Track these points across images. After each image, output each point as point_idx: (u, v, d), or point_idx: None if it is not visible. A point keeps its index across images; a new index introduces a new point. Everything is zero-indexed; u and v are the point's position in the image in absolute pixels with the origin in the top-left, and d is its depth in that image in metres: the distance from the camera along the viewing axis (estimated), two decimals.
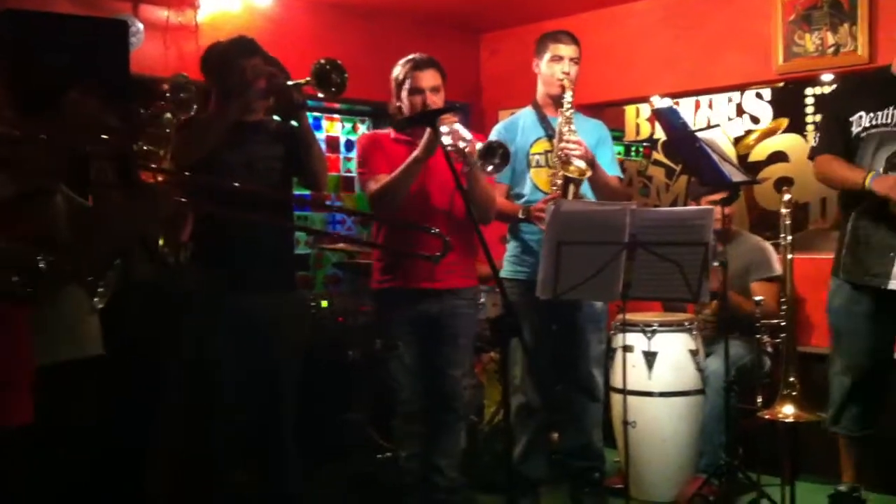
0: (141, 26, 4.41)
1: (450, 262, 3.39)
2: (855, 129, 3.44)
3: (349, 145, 5.67)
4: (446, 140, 3.24)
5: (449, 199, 3.54)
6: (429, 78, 3.54)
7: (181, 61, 4.53)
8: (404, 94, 3.56)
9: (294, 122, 3.33)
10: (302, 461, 3.43)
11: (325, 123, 5.59)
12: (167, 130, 2.50)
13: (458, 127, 3.33)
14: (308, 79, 3.19)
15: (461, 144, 3.25)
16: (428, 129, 3.29)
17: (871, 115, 3.41)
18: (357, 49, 5.27)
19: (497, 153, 3.27)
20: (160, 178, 2.57)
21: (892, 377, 3.55)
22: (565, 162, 3.66)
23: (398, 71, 3.60)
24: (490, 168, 3.29)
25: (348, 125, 5.67)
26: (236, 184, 3.13)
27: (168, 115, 2.54)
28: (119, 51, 2.61)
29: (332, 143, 5.65)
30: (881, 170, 3.36)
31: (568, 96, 3.75)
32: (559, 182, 3.68)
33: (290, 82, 3.25)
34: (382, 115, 4.58)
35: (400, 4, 5.26)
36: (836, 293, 3.59)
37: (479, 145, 3.25)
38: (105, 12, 4.30)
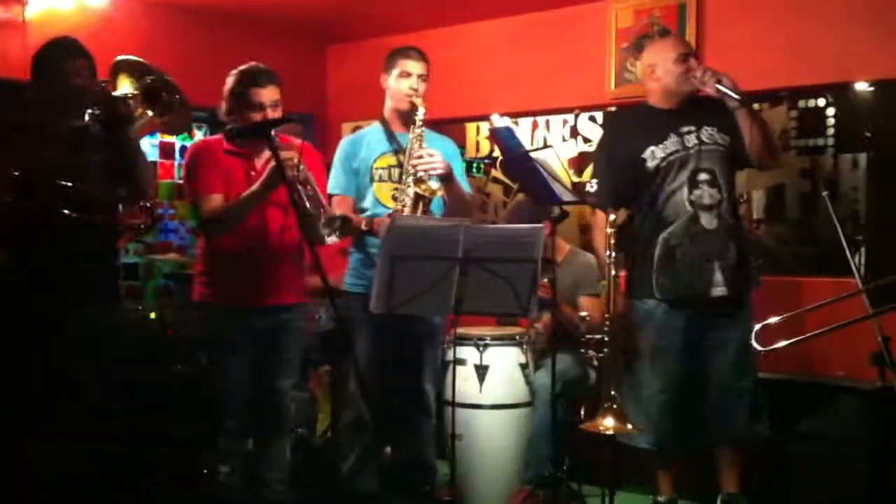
0: None
1: (280, 279, 3.37)
2: (651, 164, 3.66)
3: (184, 152, 5.49)
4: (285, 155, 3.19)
5: (282, 214, 3.49)
6: (269, 93, 3.49)
7: (4, 60, 4.30)
8: (242, 108, 3.48)
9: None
10: (127, 475, 3.31)
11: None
12: None
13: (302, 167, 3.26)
14: (135, 93, 3.11)
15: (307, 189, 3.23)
16: (269, 167, 3.25)
17: (661, 145, 3.65)
18: (196, 53, 5.15)
19: (335, 225, 3.27)
20: None
21: (706, 390, 3.74)
22: (418, 180, 3.68)
23: (234, 82, 3.52)
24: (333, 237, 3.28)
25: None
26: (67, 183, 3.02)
27: None
28: None
29: (167, 149, 5.46)
30: (686, 189, 3.61)
31: (420, 113, 3.76)
32: (409, 200, 3.69)
33: (116, 93, 3.16)
34: (221, 122, 4.48)
35: (244, 9, 5.17)
36: (650, 315, 3.70)
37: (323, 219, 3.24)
38: None
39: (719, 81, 3.51)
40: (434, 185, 3.69)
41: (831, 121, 4.53)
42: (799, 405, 3.81)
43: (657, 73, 3.71)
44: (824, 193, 3.69)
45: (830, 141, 4.52)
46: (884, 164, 3.74)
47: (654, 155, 3.66)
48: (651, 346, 3.70)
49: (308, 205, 3.18)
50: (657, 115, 3.74)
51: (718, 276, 3.59)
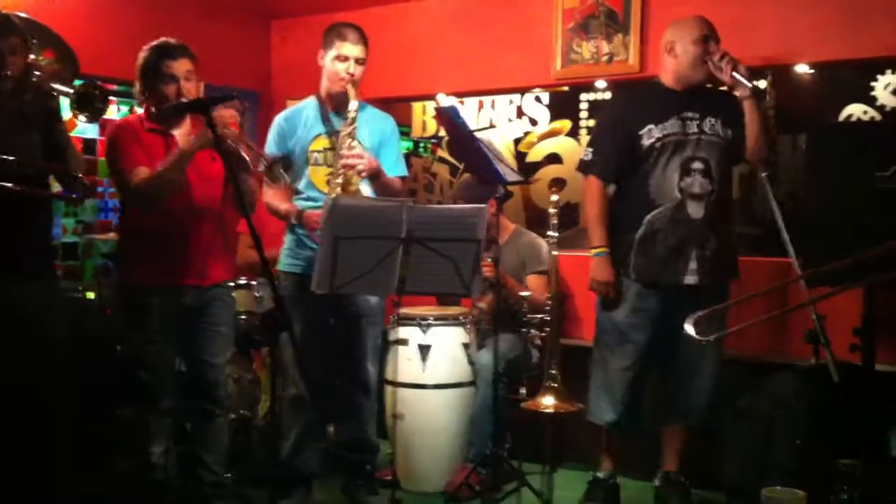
0: None
1: (206, 256, 3.35)
2: (647, 142, 3.64)
3: None
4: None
5: (214, 191, 3.43)
6: (181, 65, 3.41)
7: None
8: (157, 82, 3.41)
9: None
10: (68, 458, 3.26)
11: None
12: None
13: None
14: (70, 93, 3.09)
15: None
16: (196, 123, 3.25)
17: (661, 126, 3.64)
18: (136, 29, 4.99)
19: (277, 168, 3.27)
20: None
21: (671, 374, 3.77)
22: (347, 182, 3.66)
23: (145, 58, 3.45)
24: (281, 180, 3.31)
25: (125, 108, 5.38)
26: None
27: None
28: None
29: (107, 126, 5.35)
30: (677, 175, 3.61)
31: (353, 106, 3.69)
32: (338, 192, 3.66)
33: (53, 86, 3.12)
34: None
35: None
36: (623, 293, 3.72)
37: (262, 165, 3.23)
38: None
39: (735, 68, 3.50)
40: (363, 188, 3.70)
41: (771, 102, 4.59)
42: (737, 383, 3.87)
43: (676, 50, 3.68)
44: (763, 174, 3.73)
45: (771, 122, 4.59)
46: (821, 145, 3.79)
47: (650, 133, 3.64)
48: (621, 324, 3.73)
49: (248, 158, 3.18)
50: (665, 94, 3.72)
51: (693, 265, 3.61)
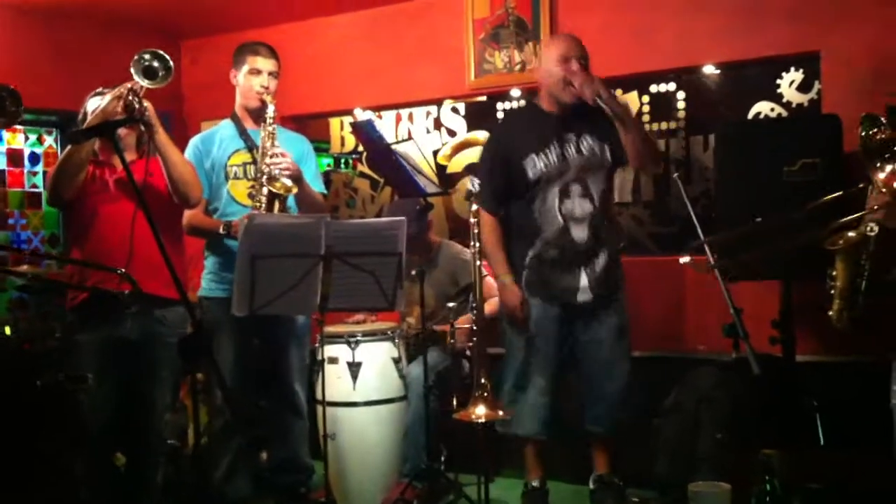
0: None
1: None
2: (531, 174, 3.65)
3: (34, 158, 5.24)
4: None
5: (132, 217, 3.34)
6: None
7: None
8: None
9: None
10: None
11: (5, 135, 5.13)
12: None
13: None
14: None
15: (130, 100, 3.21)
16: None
17: (542, 155, 3.65)
18: (40, 55, 4.93)
19: (154, 69, 3.21)
20: None
21: (579, 383, 3.81)
22: (271, 178, 3.62)
23: (82, 107, 3.48)
24: (158, 79, 3.21)
25: (33, 136, 5.25)
26: None
27: None
28: None
29: (15, 156, 5.18)
30: (557, 200, 3.64)
31: (270, 111, 3.72)
32: (264, 199, 3.63)
33: None
34: (72, 125, 4.31)
35: (88, 7, 4.95)
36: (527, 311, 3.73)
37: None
38: None
39: (598, 94, 3.48)
40: (288, 182, 3.64)
41: (681, 104, 4.69)
42: (662, 380, 3.93)
43: (541, 72, 3.71)
44: (675, 175, 3.81)
45: (681, 124, 4.69)
46: (728, 143, 3.88)
47: (534, 164, 3.65)
48: (528, 338, 3.75)
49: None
50: (543, 118, 3.72)
51: (584, 283, 3.66)
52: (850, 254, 2.96)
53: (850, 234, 2.94)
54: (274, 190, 3.62)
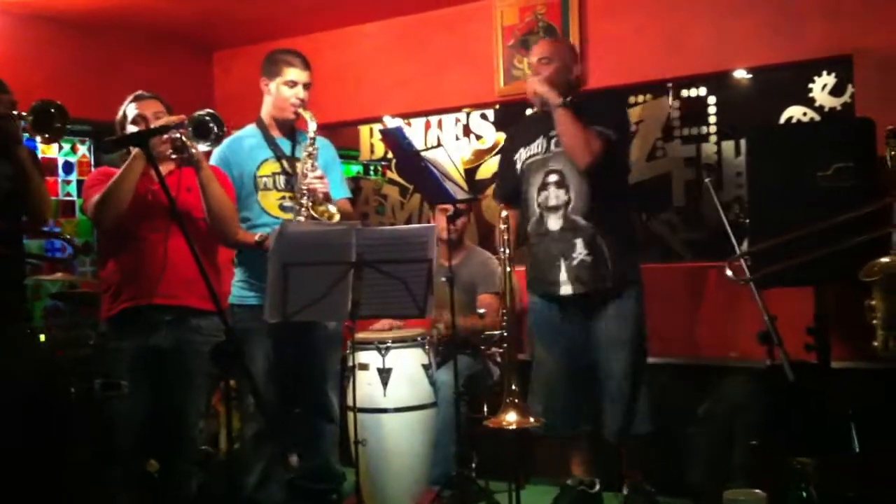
0: None
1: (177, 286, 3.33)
2: (519, 166, 3.86)
3: (67, 167, 5.30)
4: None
5: (165, 222, 3.38)
6: (150, 105, 3.47)
7: None
8: (128, 126, 3.46)
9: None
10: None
11: (40, 145, 5.19)
12: None
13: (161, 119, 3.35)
14: (26, 115, 3.06)
15: (176, 135, 3.26)
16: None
17: (526, 149, 3.84)
18: (76, 66, 5.00)
19: (208, 125, 3.30)
20: None
21: (598, 375, 3.79)
22: (315, 202, 3.64)
23: (120, 110, 3.50)
24: (208, 144, 3.32)
25: (66, 146, 5.30)
26: None
27: None
28: None
29: (49, 165, 5.24)
30: (535, 190, 3.80)
31: (311, 129, 3.72)
32: (303, 219, 3.64)
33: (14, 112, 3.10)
34: (105, 134, 4.37)
35: (122, 19, 5.01)
36: (533, 307, 3.93)
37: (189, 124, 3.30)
38: None
39: (534, 91, 3.74)
40: (332, 209, 3.67)
41: (713, 109, 4.65)
42: (693, 388, 3.90)
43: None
44: (707, 180, 3.78)
45: (713, 129, 4.65)
46: (760, 148, 3.84)
47: (521, 157, 3.85)
48: (535, 336, 3.90)
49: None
50: (538, 117, 3.89)
51: (563, 276, 3.70)
52: (887, 283, 2.89)
53: (884, 260, 2.87)
54: (316, 216, 3.64)
